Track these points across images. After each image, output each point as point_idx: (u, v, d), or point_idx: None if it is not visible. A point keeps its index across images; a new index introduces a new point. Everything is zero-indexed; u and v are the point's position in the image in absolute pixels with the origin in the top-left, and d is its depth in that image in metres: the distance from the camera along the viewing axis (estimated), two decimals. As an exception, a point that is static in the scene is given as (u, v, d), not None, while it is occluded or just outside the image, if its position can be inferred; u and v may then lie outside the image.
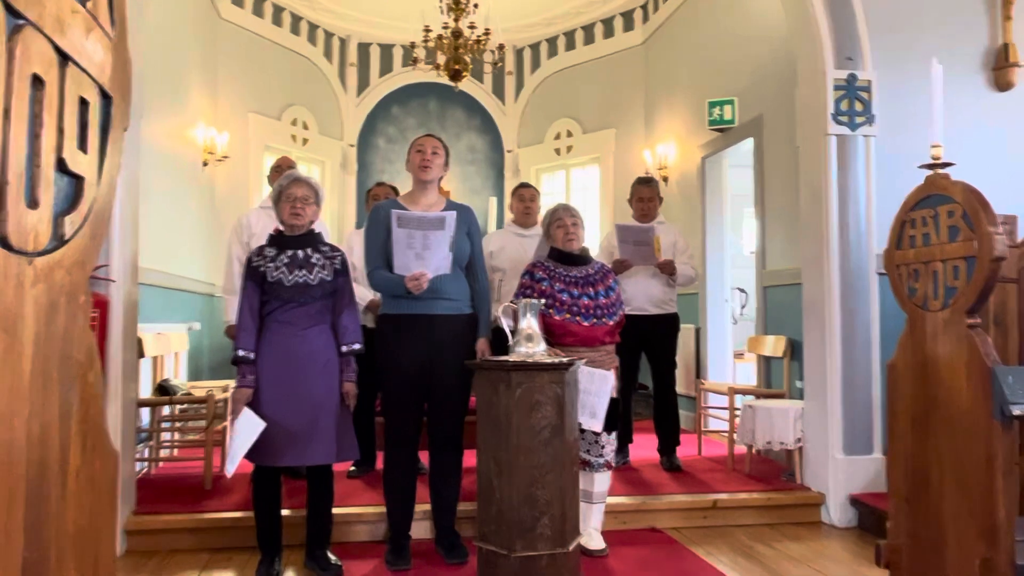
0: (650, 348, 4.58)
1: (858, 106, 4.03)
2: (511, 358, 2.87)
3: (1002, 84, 4.15)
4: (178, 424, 4.48)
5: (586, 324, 3.36)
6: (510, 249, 4.31)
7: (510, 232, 4.44)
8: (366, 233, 3.35)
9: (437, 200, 3.40)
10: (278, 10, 7.46)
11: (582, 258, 3.51)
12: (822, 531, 3.85)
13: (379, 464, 4.17)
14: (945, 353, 1.89)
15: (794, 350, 4.74)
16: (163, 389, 4.14)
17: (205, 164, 6.26)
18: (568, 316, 3.32)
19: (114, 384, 3.37)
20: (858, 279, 3.99)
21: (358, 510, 3.63)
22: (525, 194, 4.43)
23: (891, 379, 2.20)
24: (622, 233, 4.29)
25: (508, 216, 4.69)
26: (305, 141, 7.75)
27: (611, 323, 3.44)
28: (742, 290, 7.03)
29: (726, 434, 5.43)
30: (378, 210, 3.33)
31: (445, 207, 3.37)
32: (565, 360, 2.83)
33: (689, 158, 6.47)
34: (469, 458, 3.19)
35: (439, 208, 3.35)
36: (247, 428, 2.95)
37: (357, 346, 3.21)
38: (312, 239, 3.21)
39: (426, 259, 3.06)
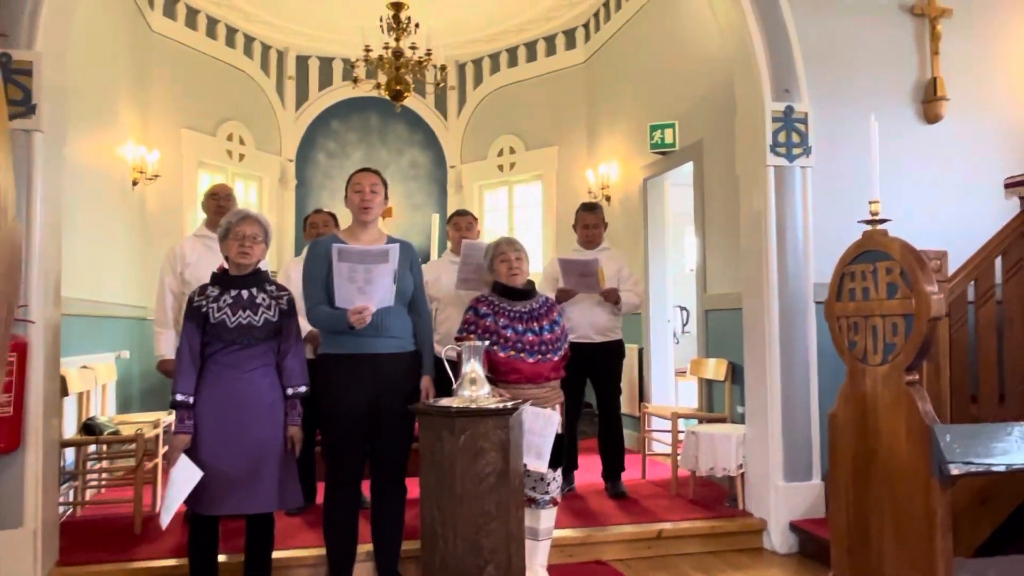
0: (595, 375, 4.58)
1: (795, 138, 4.10)
2: (454, 402, 2.81)
3: (931, 117, 4.28)
4: (105, 463, 4.28)
5: (531, 361, 3.32)
6: (446, 279, 4.25)
7: (447, 261, 4.40)
8: (305, 268, 3.24)
9: (379, 236, 3.32)
10: (212, 22, 7.24)
11: (526, 292, 3.47)
12: (764, 558, 3.89)
13: (319, 499, 4.06)
14: (885, 408, 1.92)
15: (735, 373, 4.80)
16: (89, 427, 3.95)
17: (135, 183, 6.03)
18: (513, 353, 3.28)
19: (34, 427, 3.19)
20: (796, 307, 4.05)
21: (298, 553, 3.51)
22: (461, 222, 4.38)
23: (832, 429, 2.22)
24: (566, 266, 4.28)
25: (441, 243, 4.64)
26: (241, 157, 7.54)
27: (556, 359, 3.41)
28: (683, 308, 7.12)
29: (670, 457, 5.48)
30: (318, 245, 3.23)
31: (387, 241, 3.30)
32: (510, 405, 2.79)
33: (631, 178, 6.51)
34: (413, 487, 3.13)
35: (381, 243, 3.27)
36: (184, 477, 2.83)
37: (303, 389, 3.11)
38: (258, 278, 3.10)
39: (368, 293, 2.98)
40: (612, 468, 4.63)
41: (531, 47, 8.00)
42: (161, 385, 6.30)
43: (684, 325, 7.13)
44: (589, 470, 4.86)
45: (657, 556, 3.88)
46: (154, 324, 4.14)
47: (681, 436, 4.64)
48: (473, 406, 2.75)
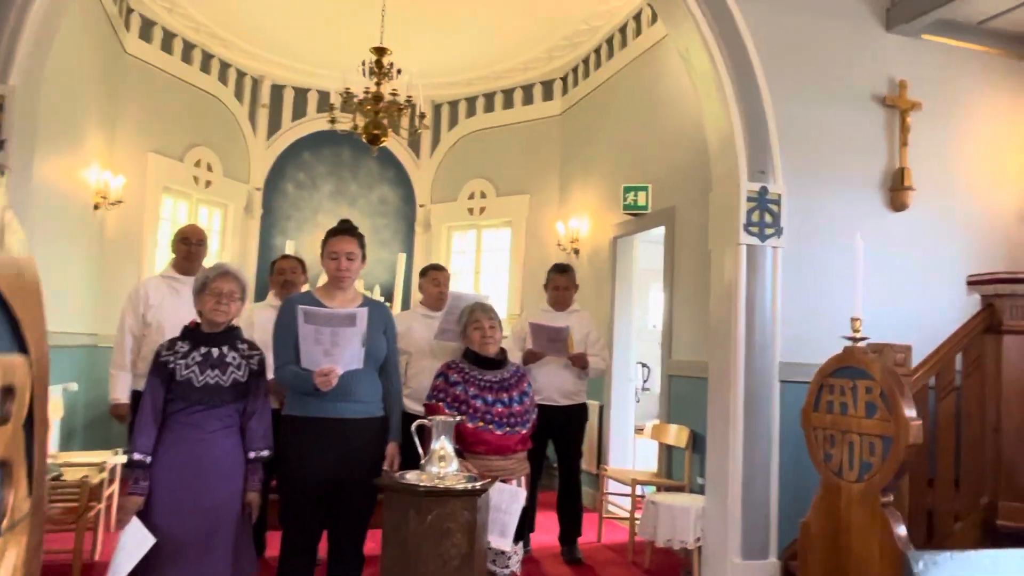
0: (558, 437, 4.56)
1: (768, 218, 4.17)
2: (422, 479, 2.76)
3: (897, 205, 4.40)
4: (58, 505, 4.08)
5: (499, 433, 3.29)
6: (418, 332, 4.22)
7: (418, 314, 4.36)
8: (276, 326, 3.16)
9: (354, 296, 3.26)
10: (189, 47, 7.14)
11: (498, 362, 3.44)
12: (718, 637, 3.88)
13: (268, 551, 3.94)
14: (859, 526, 1.93)
15: (696, 442, 4.82)
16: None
17: (96, 207, 5.86)
18: (481, 424, 3.24)
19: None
20: (762, 383, 4.09)
21: (245, 618, 3.37)
22: (440, 277, 4.36)
23: (804, 539, 2.23)
24: (536, 330, 4.27)
25: (416, 295, 4.61)
26: (208, 183, 7.40)
27: (524, 432, 3.38)
28: (644, 365, 7.15)
29: (626, 520, 5.46)
30: (290, 304, 3.16)
31: (362, 303, 3.24)
32: (479, 485, 2.74)
33: (601, 234, 6.56)
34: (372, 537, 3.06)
35: (356, 304, 3.21)
36: (135, 542, 2.71)
37: (266, 453, 3.02)
38: (230, 335, 3.02)
39: (335, 356, 2.91)
40: (569, 533, 4.59)
41: (508, 94, 8.05)
42: (106, 418, 6.09)
43: (644, 381, 7.16)
44: (545, 530, 4.81)
45: (612, 631, 3.84)
46: (111, 366, 4.00)
47: (640, 500, 4.63)
48: (441, 485, 2.69)
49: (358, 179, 8.46)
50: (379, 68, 5.53)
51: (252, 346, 3.09)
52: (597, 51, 6.86)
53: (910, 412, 1.83)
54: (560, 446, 4.59)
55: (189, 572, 2.86)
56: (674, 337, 5.33)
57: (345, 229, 3.25)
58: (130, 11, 6.42)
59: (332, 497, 3.03)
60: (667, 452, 5.23)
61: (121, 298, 6.35)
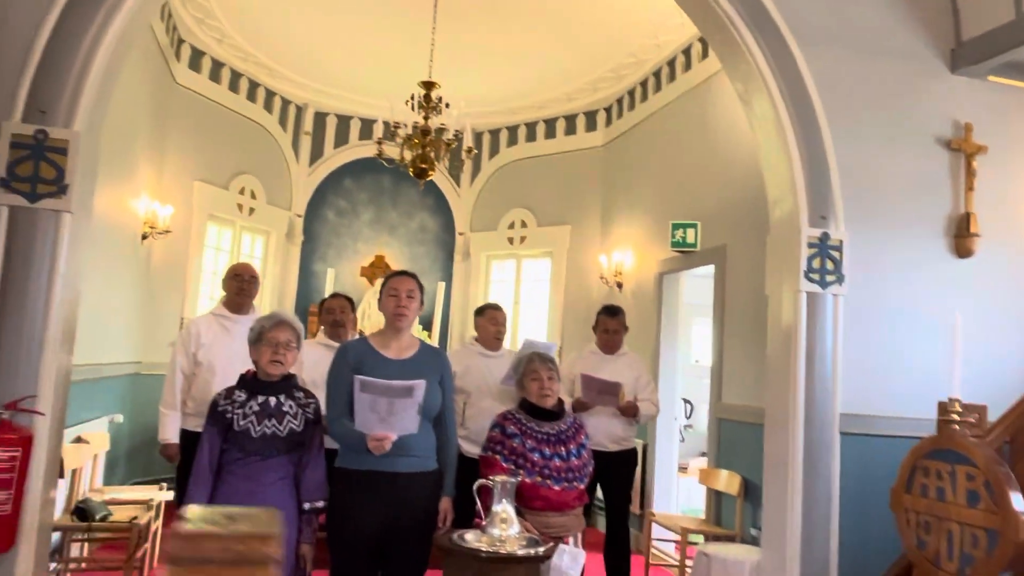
0: (607, 482, 4.45)
1: (829, 264, 4.06)
2: (482, 541, 2.68)
3: (962, 251, 4.26)
4: (87, 545, 4.07)
5: (557, 488, 3.20)
6: (475, 371, 4.18)
7: (475, 352, 4.30)
8: (330, 376, 3.10)
9: (410, 343, 3.20)
10: (236, 76, 7.21)
11: (556, 413, 3.36)
12: None
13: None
14: (960, 622, 1.82)
15: (748, 490, 4.69)
16: (81, 511, 3.76)
17: (144, 237, 5.90)
18: (539, 479, 3.16)
19: (29, 523, 3.00)
20: (823, 435, 3.95)
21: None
22: (499, 317, 4.32)
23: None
24: (587, 382, 4.19)
25: (459, 327, 4.55)
26: (252, 211, 7.45)
27: (581, 487, 3.30)
28: (687, 401, 7.02)
29: (675, 567, 5.33)
30: (345, 353, 3.10)
31: (418, 350, 3.18)
32: (542, 551, 2.66)
33: (646, 268, 6.47)
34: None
35: (412, 351, 3.15)
36: None
37: (320, 504, 2.97)
38: (286, 384, 2.98)
39: (391, 423, 2.84)
40: (618, 581, 4.48)
41: (550, 124, 8.02)
42: (148, 448, 6.10)
43: (688, 417, 7.03)
44: (591, 572, 4.68)
45: None
46: (161, 404, 3.98)
47: (690, 558, 4.51)
48: (504, 550, 2.61)
49: (398, 207, 8.47)
50: (427, 102, 5.51)
51: (308, 394, 3.05)
52: (643, 84, 6.81)
53: (1019, 506, 1.72)
54: (609, 492, 4.49)
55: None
56: (724, 378, 5.21)
57: (405, 272, 3.23)
58: (181, 42, 6.50)
59: (383, 551, 2.96)
60: (715, 498, 5.09)
61: (165, 327, 6.43)
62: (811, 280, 4.03)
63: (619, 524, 4.50)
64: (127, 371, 5.74)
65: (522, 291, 8.09)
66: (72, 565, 4.01)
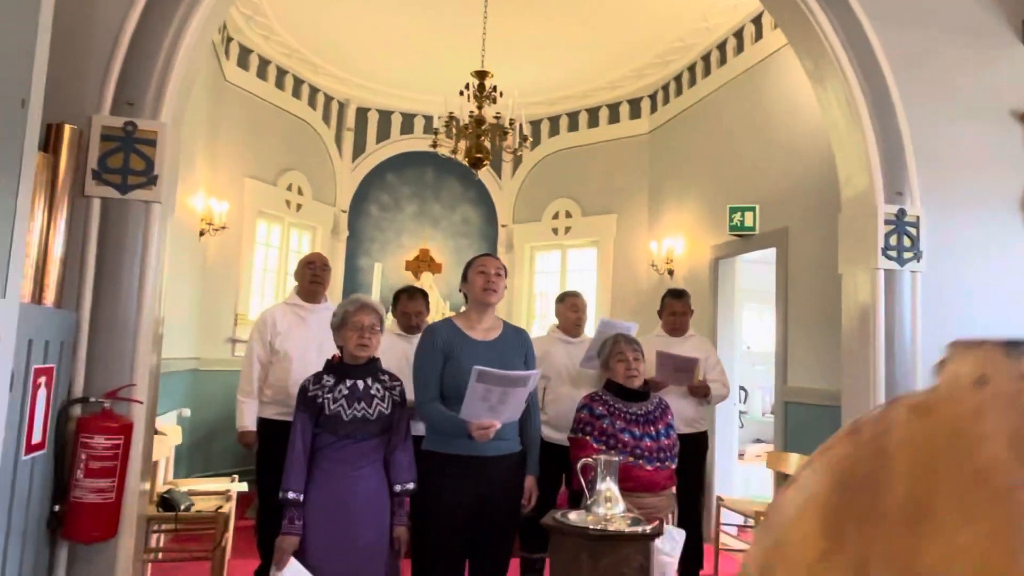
0: (679, 467, 4.42)
1: (906, 241, 4.01)
2: (588, 520, 2.67)
3: (1040, 225, 4.19)
4: (166, 536, 4.11)
5: (649, 468, 3.20)
6: (555, 357, 4.19)
7: (555, 338, 4.32)
8: (418, 360, 3.09)
9: (495, 323, 3.19)
10: (281, 73, 7.25)
11: (642, 394, 3.35)
12: None
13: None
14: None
15: (820, 473, 4.64)
16: (167, 501, 3.80)
17: (202, 234, 5.95)
18: (631, 459, 3.15)
19: (130, 511, 3.04)
20: (902, 416, 3.91)
21: (387, 656, 3.32)
22: (579, 304, 4.33)
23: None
24: (663, 359, 4.16)
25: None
26: (299, 207, 7.49)
27: (673, 466, 3.29)
28: (741, 387, 6.97)
29: (743, 551, 5.28)
30: (433, 334, 3.09)
31: (503, 331, 3.18)
32: (649, 529, 2.65)
33: (698, 254, 6.43)
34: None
35: (497, 332, 3.15)
36: None
37: (411, 485, 2.98)
38: (372, 367, 2.99)
39: (499, 411, 2.83)
40: (689, 567, 4.45)
41: (593, 113, 7.99)
42: (209, 441, 6.17)
43: (743, 403, 6.98)
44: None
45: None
46: (238, 393, 4.01)
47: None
48: (611, 528, 2.60)
49: (440, 200, 8.48)
50: (481, 91, 5.51)
51: (392, 377, 3.05)
52: (691, 69, 6.76)
53: None
54: (681, 475, 4.43)
55: (345, 612, 2.82)
56: (789, 362, 5.16)
57: (487, 253, 3.23)
58: (230, 39, 6.54)
59: (473, 530, 2.96)
60: (784, 482, 5.04)
61: (221, 324, 6.49)
62: (888, 257, 3.98)
63: (691, 508, 4.46)
64: (187, 367, 5.79)
65: (568, 282, 8.07)
66: (157, 555, 4.05)
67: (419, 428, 3.54)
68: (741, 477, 6.31)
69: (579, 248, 8.08)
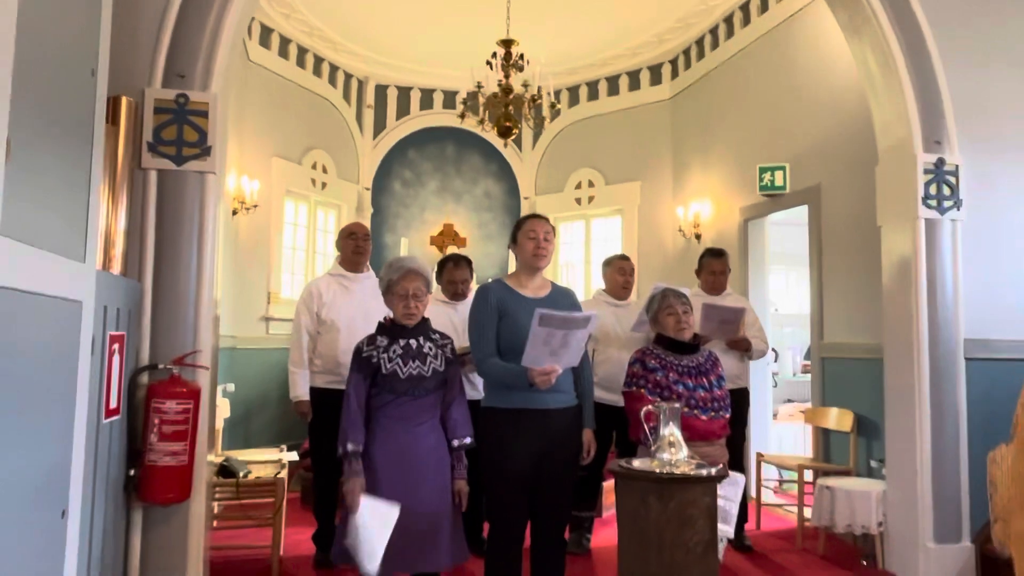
0: (722, 423, 4.49)
1: (946, 190, 4.03)
2: (653, 465, 2.73)
3: (1078, 171, 4.19)
4: (228, 504, 4.20)
5: (704, 418, 3.25)
6: (604, 319, 4.25)
7: (602, 301, 4.39)
8: (474, 318, 3.14)
9: (543, 283, 3.24)
10: (302, 51, 7.26)
11: (693, 346, 3.40)
12: (917, 623, 3.77)
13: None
14: None
15: (860, 425, 4.69)
16: (226, 469, 3.88)
17: (235, 213, 6.01)
18: (686, 409, 3.19)
19: (199, 474, 3.12)
20: (946, 362, 3.95)
21: (452, 609, 3.40)
22: (627, 267, 4.39)
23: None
24: (709, 312, 4.20)
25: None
26: (324, 185, 7.53)
27: (727, 416, 3.34)
28: (773, 349, 7.00)
29: (786, 508, 5.36)
30: (486, 292, 3.12)
31: (552, 290, 3.22)
32: (714, 472, 2.71)
33: (726, 217, 6.45)
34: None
35: (546, 291, 3.19)
36: (378, 519, 2.74)
37: (468, 440, 3.05)
38: (423, 327, 3.05)
39: (560, 356, 2.87)
40: (736, 520, 4.52)
41: (613, 81, 7.97)
42: (247, 418, 6.26)
43: (775, 363, 7.02)
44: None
45: (806, 618, 3.76)
46: (289, 364, 4.08)
47: (808, 488, 4.54)
48: (677, 471, 2.66)
49: (462, 174, 8.50)
50: (508, 60, 5.51)
51: (443, 335, 3.11)
52: (713, 31, 6.74)
53: None
54: (724, 432, 4.52)
55: (410, 566, 2.90)
56: (825, 319, 5.19)
57: (540, 216, 3.23)
58: (251, 19, 6.55)
59: (536, 481, 3.01)
60: (823, 436, 5.10)
61: (254, 303, 6.56)
62: (928, 207, 4.01)
63: (734, 464, 4.52)
64: (225, 344, 5.86)
65: (593, 251, 8.09)
66: (216, 523, 4.14)
67: (472, 393, 3.62)
68: (776, 436, 6.36)
69: (603, 217, 8.09)
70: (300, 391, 4.00)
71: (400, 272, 3.00)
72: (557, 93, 8.29)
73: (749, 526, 4.79)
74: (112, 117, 2.94)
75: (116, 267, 2.93)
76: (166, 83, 3.20)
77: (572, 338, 2.82)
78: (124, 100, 3.01)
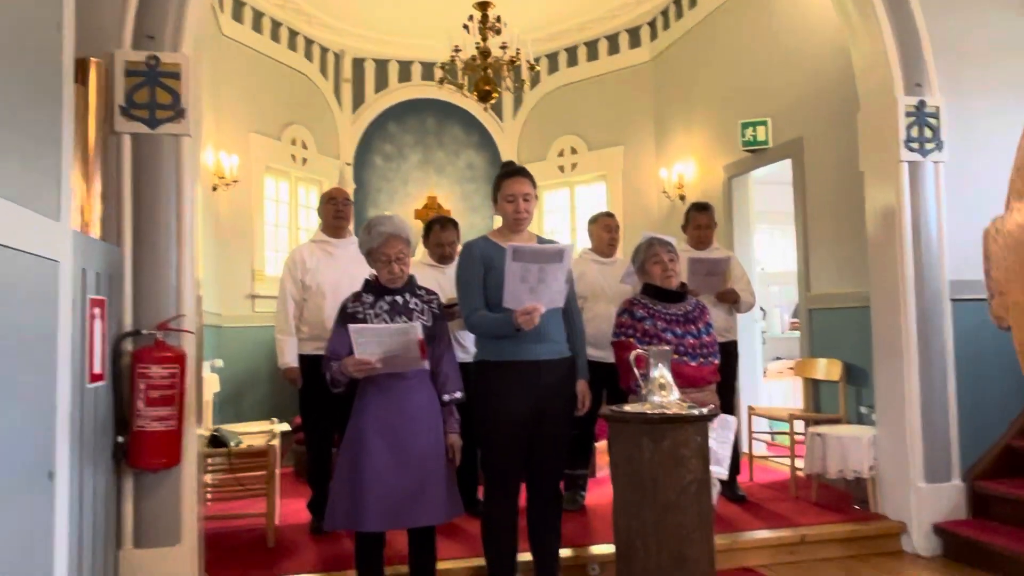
0: (711, 376, 4.50)
1: (927, 132, 4.03)
2: (645, 408, 2.72)
3: (1058, 109, 4.19)
4: (222, 475, 4.18)
5: (693, 364, 3.25)
6: (590, 277, 4.24)
7: (588, 259, 4.37)
8: (459, 273, 3.12)
9: (528, 237, 3.21)
10: (276, 25, 7.15)
11: (679, 295, 3.39)
12: (910, 561, 3.81)
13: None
14: None
15: (850, 374, 4.72)
16: (216, 439, 3.85)
17: (215, 189, 5.93)
18: (675, 356, 3.19)
19: (189, 440, 3.10)
20: (932, 305, 3.97)
21: (450, 564, 3.41)
22: (611, 223, 4.36)
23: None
24: (694, 265, 4.19)
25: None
26: (304, 161, 7.45)
27: (716, 362, 3.34)
28: (760, 308, 7.02)
29: (777, 460, 5.41)
30: (471, 248, 3.10)
31: (537, 243, 3.19)
32: (707, 411, 2.71)
33: (710, 176, 6.44)
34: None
35: (533, 243, 3.17)
36: (370, 334, 2.74)
37: (459, 394, 3.03)
38: (409, 284, 3.02)
39: (540, 293, 2.84)
40: (729, 472, 4.54)
41: (592, 46, 7.91)
42: (234, 396, 6.22)
43: (763, 320, 7.05)
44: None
45: (802, 561, 3.79)
46: (276, 332, 4.05)
47: (799, 438, 4.58)
48: (669, 412, 2.66)
49: (444, 146, 8.44)
50: (484, 23, 5.45)
51: (429, 291, 3.08)
52: (691, -10, 6.68)
53: None
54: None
55: (405, 518, 2.89)
56: (811, 271, 5.20)
57: (517, 170, 3.14)
58: (221, -11, 6.44)
59: (531, 433, 3.01)
60: (813, 387, 5.13)
61: (238, 281, 6.50)
62: (911, 149, 4.01)
63: (726, 414, 4.55)
64: (212, 322, 5.82)
65: (578, 219, 8.07)
66: (210, 494, 4.12)
67: (462, 355, 3.60)
68: (766, 393, 6.40)
69: (587, 184, 8.06)
70: (288, 358, 3.98)
71: (380, 240, 2.93)
72: (536, 59, 8.22)
73: (742, 478, 4.82)
74: (81, 78, 2.87)
75: (94, 232, 2.88)
76: (136, 45, 3.14)
77: (548, 274, 2.80)
78: (93, 61, 2.94)
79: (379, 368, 2.78)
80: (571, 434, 3.18)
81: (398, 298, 2.98)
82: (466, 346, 3.91)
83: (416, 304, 3.00)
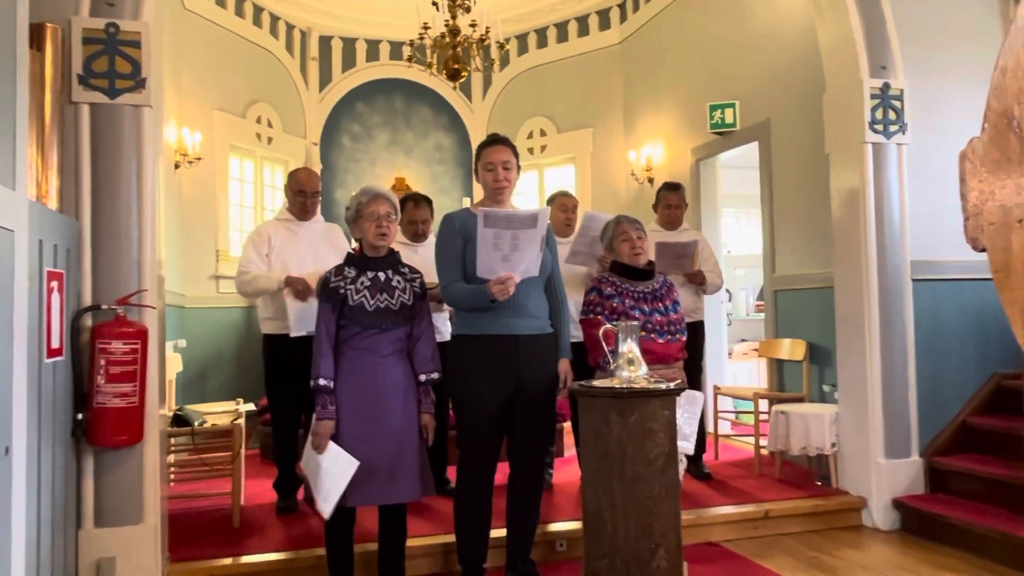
0: (678, 356, 4.53)
1: (891, 115, 4.08)
2: (614, 383, 2.73)
3: (1017, 94, 4.28)
4: (186, 455, 4.12)
5: (661, 341, 3.27)
6: None
7: None
8: (438, 245, 3.05)
9: (510, 208, 3.18)
10: (240, 0, 7.00)
11: (647, 272, 3.41)
12: (869, 535, 3.90)
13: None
14: None
15: (813, 354, 4.80)
16: (180, 418, 3.79)
17: (177, 166, 5.81)
18: (643, 333, 3.21)
19: (152, 417, 3.04)
20: (894, 284, 4.05)
21: (418, 542, 3.40)
22: (568, 203, 4.33)
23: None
24: (661, 249, 4.21)
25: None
26: (270, 140, 7.32)
27: (683, 338, 3.37)
28: (727, 290, 7.10)
29: (740, 438, 5.48)
30: (451, 219, 3.03)
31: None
32: (674, 386, 2.73)
33: (678, 159, 6.47)
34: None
35: None
36: (339, 467, 2.74)
37: (436, 375, 3.01)
38: (392, 260, 2.99)
39: (513, 261, 2.79)
40: (695, 450, 4.60)
41: (562, 28, 7.88)
42: (200, 378, 6.13)
43: (728, 302, 7.13)
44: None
45: (764, 536, 3.86)
46: (246, 278, 3.77)
47: (763, 417, 4.64)
48: (637, 387, 2.67)
49: (412, 127, 8.36)
50: (454, 0, 5.39)
51: (412, 269, 3.05)
52: (661, -29, 6.68)
53: None
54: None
55: (379, 495, 2.88)
56: (777, 251, 5.26)
57: (497, 139, 3.07)
58: (184, -37, 6.28)
59: (510, 411, 2.97)
60: (777, 367, 5.20)
61: (203, 261, 6.39)
62: (875, 131, 4.06)
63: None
64: (175, 301, 5.71)
65: (546, 201, 8.05)
66: (174, 474, 4.06)
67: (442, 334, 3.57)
68: (731, 374, 6.48)
69: (556, 166, 8.06)
70: (277, 277, 3.74)
71: (370, 195, 2.95)
72: (506, 40, 8.17)
73: (707, 457, 4.88)
74: (37, 44, 2.78)
75: (52, 205, 2.80)
76: (94, 12, 3.04)
77: (522, 241, 2.76)
78: (49, 27, 2.85)
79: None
80: (553, 413, 3.13)
81: (380, 274, 2.94)
82: (441, 331, 3.88)
83: (399, 282, 2.97)
